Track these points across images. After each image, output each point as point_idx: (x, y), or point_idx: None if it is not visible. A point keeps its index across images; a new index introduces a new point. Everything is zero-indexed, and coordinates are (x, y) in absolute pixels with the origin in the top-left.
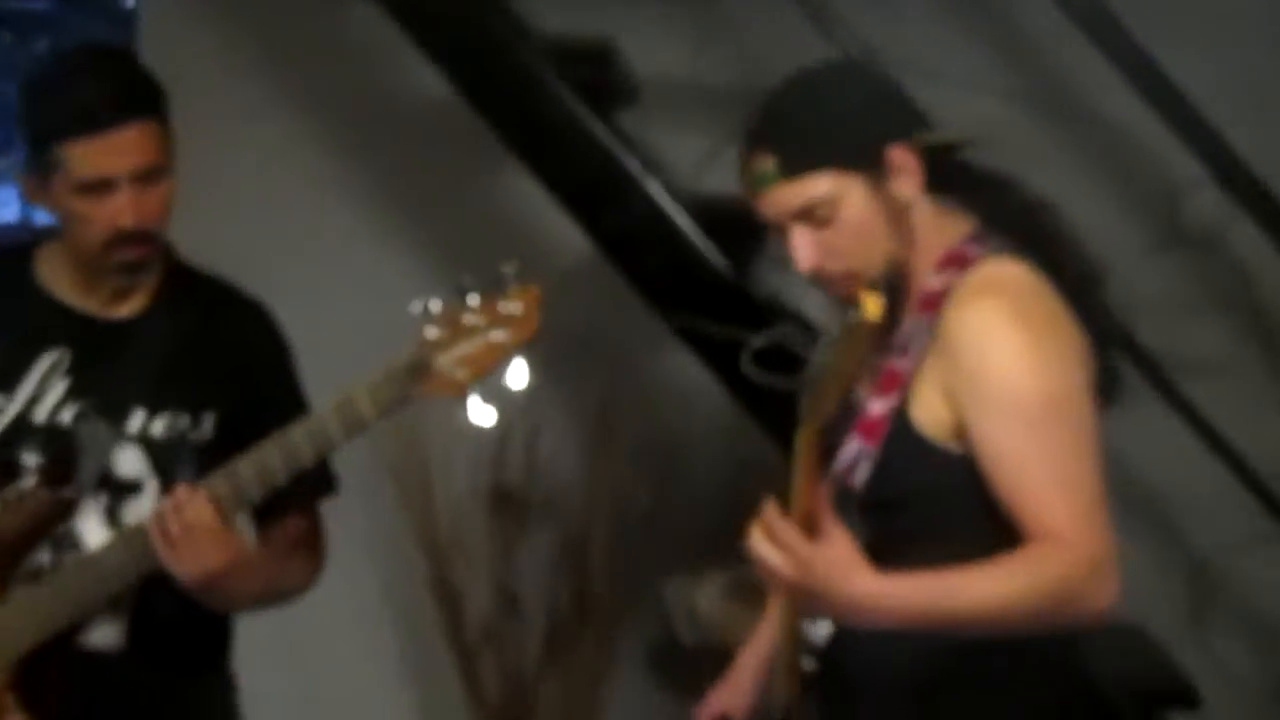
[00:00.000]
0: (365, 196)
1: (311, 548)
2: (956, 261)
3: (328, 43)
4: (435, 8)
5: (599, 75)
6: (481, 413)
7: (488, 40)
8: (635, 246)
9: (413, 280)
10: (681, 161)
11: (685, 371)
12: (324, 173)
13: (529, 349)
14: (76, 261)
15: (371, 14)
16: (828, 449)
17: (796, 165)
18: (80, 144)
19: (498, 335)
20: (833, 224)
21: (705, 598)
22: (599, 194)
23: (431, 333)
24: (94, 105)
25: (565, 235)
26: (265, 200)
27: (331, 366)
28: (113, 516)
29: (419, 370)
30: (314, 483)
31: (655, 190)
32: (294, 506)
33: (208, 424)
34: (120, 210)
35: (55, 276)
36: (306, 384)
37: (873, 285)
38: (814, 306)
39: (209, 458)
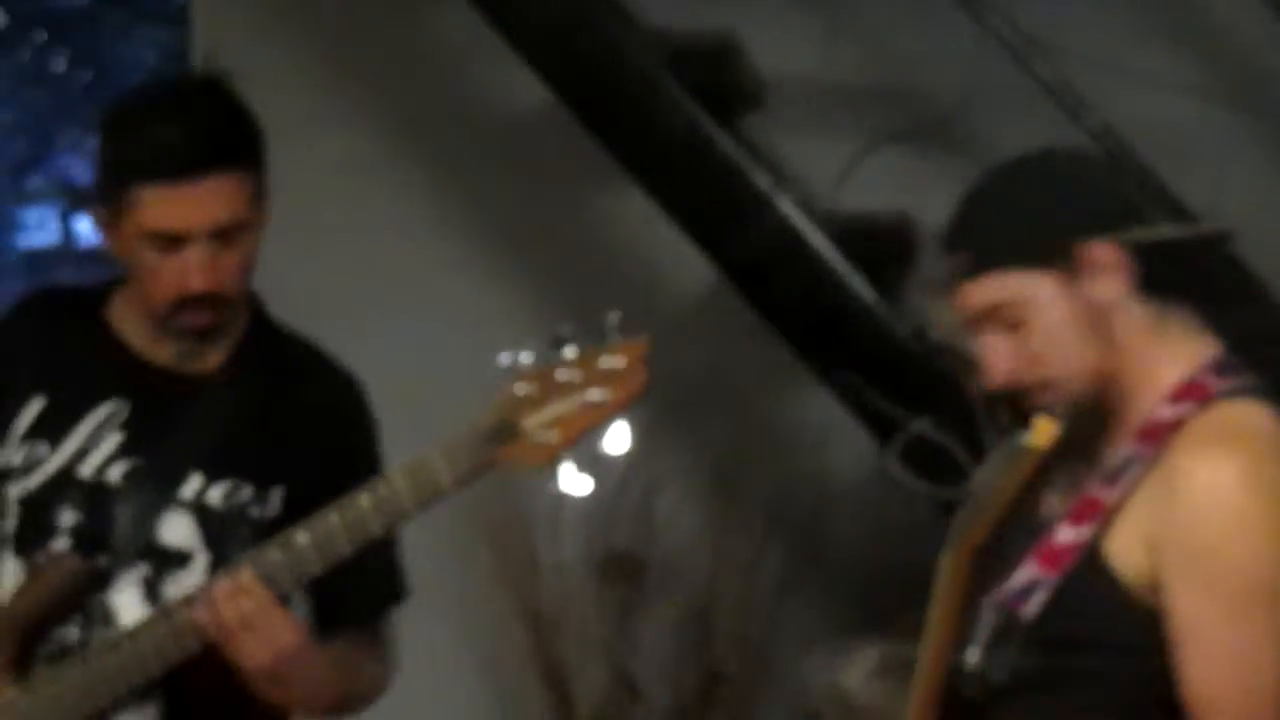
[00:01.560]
0: (452, 223)
1: (378, 660)
2: (1195, 394)
3: (409, 46)
4: (532, 4)
5: (721, 76)
6: (576, 481)
7: (593, 39)
8: (765, 273)
9: (506, 319)
10: (817, 173)
11: (824, 417)
12: (404, 196)
13: (637, 404)
14: (145, 310)
15: (460, 12)
16: (996, 567)
17: (980, 264)
18: (155, 190)
19: (596, 394)
20: (1024, 328)
21: (852, 676)
22: (723, 213)
23: (521, 389)
24: (175, 149)
25: (685, 262)
26: (334, 231)
27: (409, 420)
28: (153, 590)
29: (505, 433)
30: (379, 590)
31: (788, 207)
32: (354, 620)
33: (275, 500)
34: (191, 270)
35: (126, 321)
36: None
37: (1051, 410)
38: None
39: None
